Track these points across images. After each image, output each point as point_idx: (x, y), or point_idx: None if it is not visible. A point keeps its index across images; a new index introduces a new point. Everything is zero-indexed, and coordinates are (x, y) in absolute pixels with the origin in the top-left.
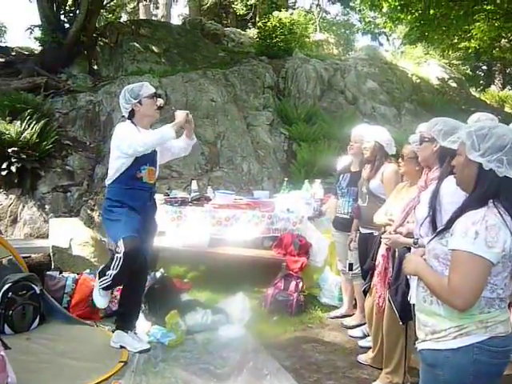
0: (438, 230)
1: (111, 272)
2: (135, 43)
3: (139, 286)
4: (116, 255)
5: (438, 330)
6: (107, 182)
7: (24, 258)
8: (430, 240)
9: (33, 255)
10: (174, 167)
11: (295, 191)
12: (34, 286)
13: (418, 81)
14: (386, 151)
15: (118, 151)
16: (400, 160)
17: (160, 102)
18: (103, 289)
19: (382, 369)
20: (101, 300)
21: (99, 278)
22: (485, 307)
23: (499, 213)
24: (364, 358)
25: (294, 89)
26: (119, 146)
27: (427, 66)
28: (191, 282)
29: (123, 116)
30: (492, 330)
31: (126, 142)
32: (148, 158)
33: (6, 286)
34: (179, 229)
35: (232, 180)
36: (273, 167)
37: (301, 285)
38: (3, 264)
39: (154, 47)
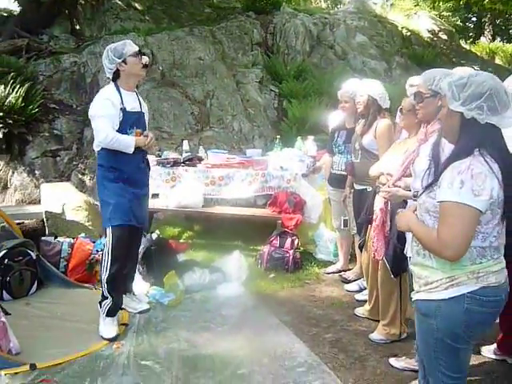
0: (428, 183)
1: (104, 278)
2: (117, 1)
3: (134, 252)
4: (104, 250)
5: (430, 282)
6: (95, 148)
7: (17, 224)
8: (421, 194)
9: (26, 221)
10: (164, 128)
11: (288, 149)
12: (29, 251)
13: (408, 34)
14: (380, 105)
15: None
16: (399, 113)
17: (145, 59)
18: (107, 315)
19: (378, 321)
20: (108, 330)
21: (100, 308)
22: (477, 258)
23: (485, 161)
24: (361, 311)
25: (282, 45)
26: (92, 120)
27: (417, 19)
28: (187, 242)
29: (108, 78)
30: (483, 280)
31: (96, 124)
32: (133, 121)
33: (2, 253)
34: (173, 190)
35: (223, 139)
36: (264, 125)
37: (296, 242)
38: None
39: (137, 4)
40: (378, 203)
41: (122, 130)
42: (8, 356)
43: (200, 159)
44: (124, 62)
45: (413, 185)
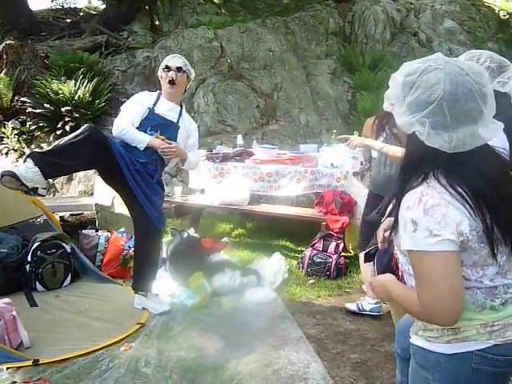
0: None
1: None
2: None
3: (152, 246)
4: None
5: (429, 328)
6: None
7: (76, 215)
8: (391, 232)
9: (85, 212)
10: (228, 122)
11: (342, 144)
12: (64, 244)
13: (507, 17)
14: None
15: None
16: None
17: (170, 74)
18: (32, 160)
19: None
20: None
21: None
22: (486, 300)
23: (443, 187)
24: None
25: (361, 34)
26: None
27: None
28: (230, 241)
29: None
30: (498, 335)
31: (119, 114)
32: (157, 125)
33: (35, 245)
34: (219, 186)
35: (288, 133)
36: (333, 118)
37: (341, 246)
38: (37, 223)
39: None
40: None
41: (141, 127)
42: (12, 350)
43: (250, 154)
44: (161, 75)
45: None
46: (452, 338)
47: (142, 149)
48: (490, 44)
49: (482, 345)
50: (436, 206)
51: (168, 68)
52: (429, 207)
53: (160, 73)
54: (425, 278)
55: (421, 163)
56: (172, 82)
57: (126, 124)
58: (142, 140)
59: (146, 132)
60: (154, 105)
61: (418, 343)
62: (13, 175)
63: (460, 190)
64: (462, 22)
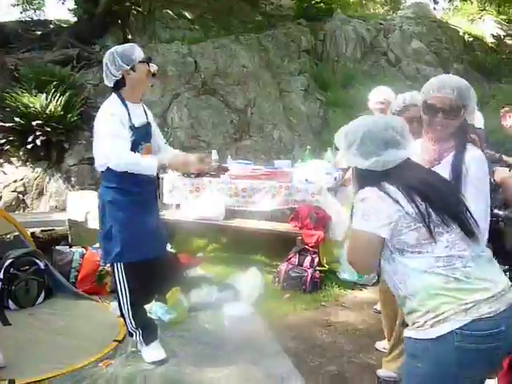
0: None
1: (127, 317)
2: (168, 10)
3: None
4: (117, 288)
5: (416, 319)
6: (99, 168)
7: (47, 230)
8: None
9: (56, 228)
10: (202, 137)
11: (316, 160)
12: (37, 261)
13: (471, 39)
14: None
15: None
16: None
17: (154, 68)
18: (146, 344)
19: None
20: (150, 354)
21: (134, 339)
22: (447, 274)
23: (383, 190)
24: (382, 345)
25: (332, 52)
26: (100, 139)
27: (482, 23)
28: (205, 256)
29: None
30: (473, 312)
31: (106, 142)
32: (142, 136)
33: (8, 262)
34: (195, 201)
35: (261, 149)
36: (306, 135)
37: (316, 260)
38: (8, 240)
39: (186, 13)
40: None
41: (133, 149)
42: None
43: (225, 170)
44: (132, 69)
45: None
46: (434, 321)
47: (155, 174)
48: (456, 65)
49: (460, 323)
50: (369, 197)
51: (149, 59)
52: (364, 197)
53: (135, 67)
54: (351, 245)
55: (364, 183)
56: (155, 75)
57: (128, 153)
58: (151, 166)
59: (137, 149)
60: (130, 119)
61: (408, 334)
62: None
63: (393, 187)
64: (429, 43)
